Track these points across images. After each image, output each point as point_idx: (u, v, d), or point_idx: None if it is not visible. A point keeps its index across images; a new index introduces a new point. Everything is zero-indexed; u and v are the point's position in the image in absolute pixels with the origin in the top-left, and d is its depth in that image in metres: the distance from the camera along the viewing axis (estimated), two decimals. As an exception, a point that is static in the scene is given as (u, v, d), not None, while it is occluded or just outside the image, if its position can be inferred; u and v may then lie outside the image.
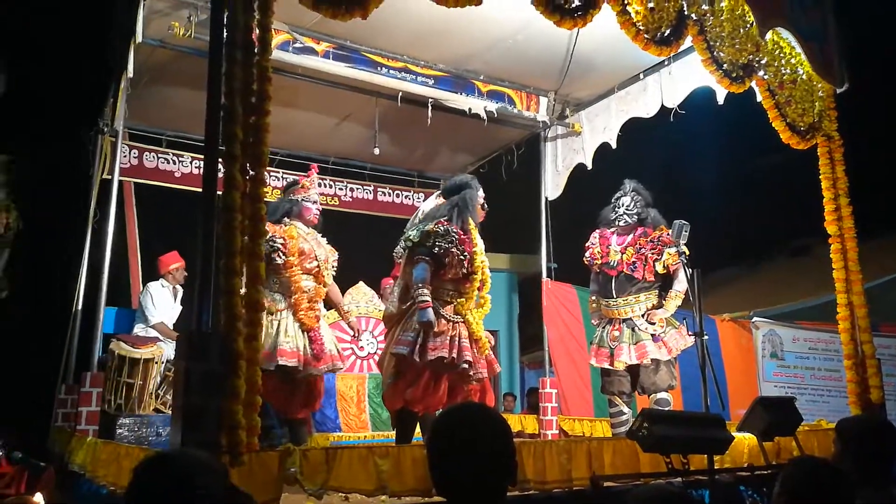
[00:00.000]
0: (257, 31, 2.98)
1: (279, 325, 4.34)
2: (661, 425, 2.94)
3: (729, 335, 7.34)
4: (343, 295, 6.51)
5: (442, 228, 4.13)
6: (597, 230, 5.18)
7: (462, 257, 4.13)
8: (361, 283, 6.89)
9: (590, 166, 6.58)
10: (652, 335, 4.68)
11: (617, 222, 4.98)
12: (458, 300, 4.24)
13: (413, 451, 2.86)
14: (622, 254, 4.84)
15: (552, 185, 6.86)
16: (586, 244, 5.17)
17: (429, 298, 4.01)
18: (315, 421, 5.67)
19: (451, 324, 4.11)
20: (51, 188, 7.43)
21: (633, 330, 4.75)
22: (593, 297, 5.14)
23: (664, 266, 4.72)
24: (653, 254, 4.74)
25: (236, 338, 2.51)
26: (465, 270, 4.18)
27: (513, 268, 9.30)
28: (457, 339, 4.07)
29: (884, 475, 2.24)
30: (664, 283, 4.82)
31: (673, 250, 4.67)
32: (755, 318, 7.36)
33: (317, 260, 4.62)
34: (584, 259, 5.15)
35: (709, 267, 5.08)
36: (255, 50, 2.96)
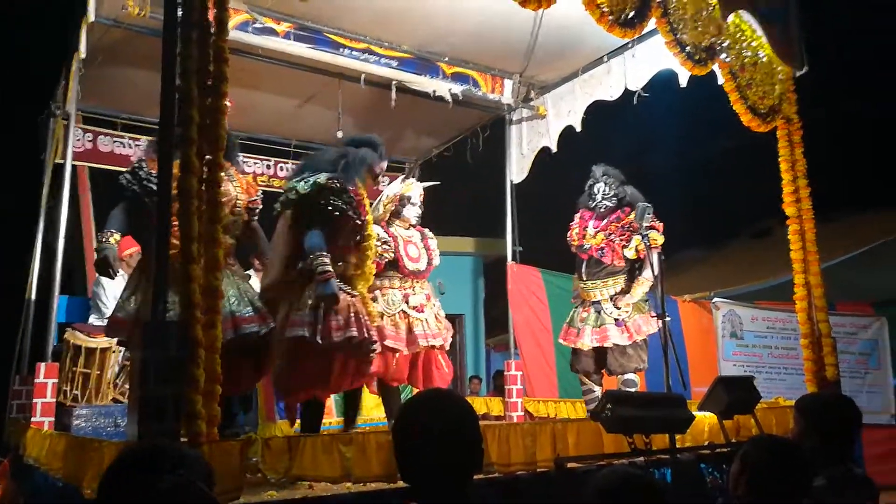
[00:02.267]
0: (214, 10, 2.89)
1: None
2: (625, 406, 2.97)
3: (690, 315, 7.46)
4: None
5: (337, 185, 3.65)
6: (579, 210, 5.19)
7: (358, 222, 3.77)
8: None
9: (555, 149, 6.59)
10: (616, 319, 4.74)
11: (598, 209, 4.99)
12: (352, 272, 3.86)
13: (377, 437, 2.84)
14: (594, 238, 4.91)
15: (517, 168, 6.86)
16: (570, 224, 5.18)
17: (331, 268, 3.52)
18: (278, 407, 5.62)
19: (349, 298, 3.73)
20: (1, 173, 7.18)
21: (598, 313, 4.82)
22: (575, 277, 5.19)
23: (634, 251, 4.74)
24: (621, 240, 4.78)
25: (194, 325, 2.45)
26: (358, 237, 3.84)
27: (478, 251, 9.31)
28: (360, 315, 3.69)
29: (846, 451, 2.28)
30: (636, 267, 4.85)
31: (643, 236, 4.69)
32: (715, 299, 7.50)
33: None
34: (567, 239, 5.17)
35: (671, 249, 5.13)
36: (212, 30, 2.87)
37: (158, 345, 2.34)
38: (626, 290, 4.81)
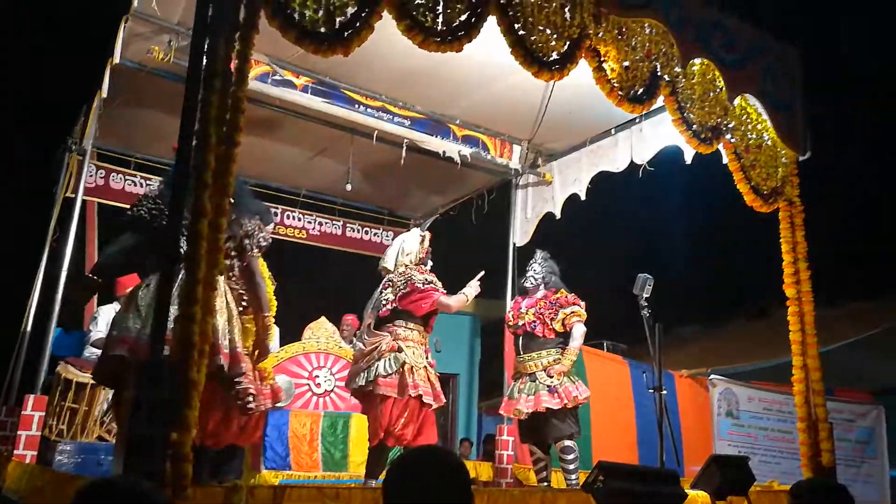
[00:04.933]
0: (235, 60, 2.99)
1: None
2: (617, 479, 2.92)
3: (686, 391, 7.39)
4: (304, 329, 6.42)
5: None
6: (515, 297, 5.58)
7: None
8: (323, 319, 6.81)
9: (558, 216, 6.67)
10: (548, 387, 5.01)
11: (524, 284, 5.45)
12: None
13: (364, 493, 2.79)
14: (526, 315, 5.25)
15: (521, 231, 6.92)
16: (508, 309, 5.57)
17: None
18: (265, 458, 5.52)
19: None
20: (11, 202, 7.26)
21: (533, 381, 5.10)
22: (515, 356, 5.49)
23: (561, 324, 5.12)
24: (550, 313, 5.15)
25: (192, 367, 2.44)
26: None
27: (477, 312, 9.28)
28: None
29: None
30: (566, 339, 5.17)
31: (569, 310, 5.12)
32: (712, 376, 7.44)
33: None
34: (505, 322, 5.60)
35: (670, 322, 5.15)
36: (232, 79, 2.95)
37: (154, 384, 2.32)
38: (557, 361, 5.09)
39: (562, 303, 5.16)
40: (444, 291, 4.45)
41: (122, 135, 6.34)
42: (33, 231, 5.64)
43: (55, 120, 6.15)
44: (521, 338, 5.28)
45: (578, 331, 5.08)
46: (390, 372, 4.15)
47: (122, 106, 5.68)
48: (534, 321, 5.19)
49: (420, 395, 4.16)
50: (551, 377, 5.01)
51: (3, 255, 7.26)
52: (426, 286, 4.36)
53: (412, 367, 4.20)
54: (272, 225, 4.36)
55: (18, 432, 4.34)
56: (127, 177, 6.82)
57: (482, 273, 4.60)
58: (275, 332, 4.76)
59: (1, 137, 7.92)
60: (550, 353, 5.12)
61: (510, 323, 5.42)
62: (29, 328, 5.18)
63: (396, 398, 4.14)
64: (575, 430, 4.98)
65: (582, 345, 5.22)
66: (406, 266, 4.51)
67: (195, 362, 2.46)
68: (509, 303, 6.72)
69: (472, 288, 4.52)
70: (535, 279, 5.37)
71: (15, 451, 4.29)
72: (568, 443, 4.92)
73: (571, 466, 4.84)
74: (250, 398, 3.56)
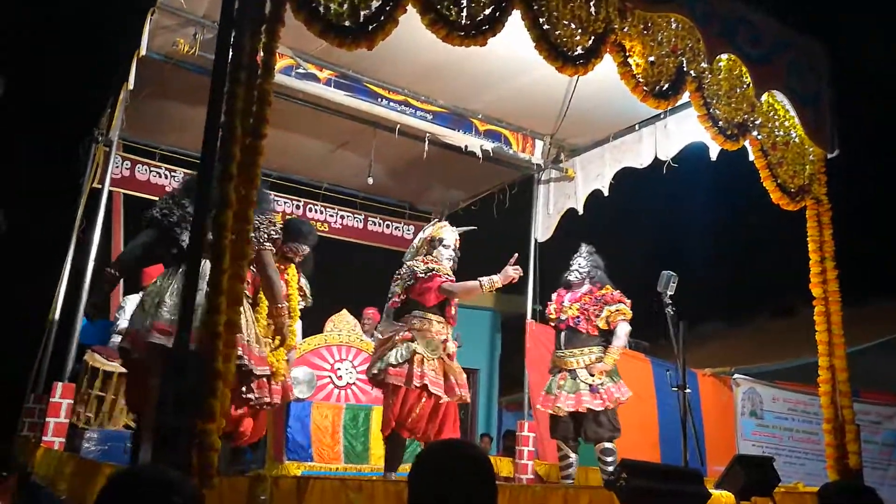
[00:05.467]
0: (262, 53, 3.00)
1: None
2: (640, 477, 2.90)
3: (709, 390, 7.32)
4: (326, 322, 6.46)
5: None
6: (558, 289, 5.48)
7: None
8: (345, 311, 6.84)
9: (581, 212, 6.63)
10: (590, 385, 4.95)
11: (568, 278, 5.38)
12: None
13: (387, 486, 2.80)
14: (570, 309, 5.20)
15: (542, 227, 6.89)
16: (548, 302, 5.49)
17: None
18: (287, 449, 5.57)
19: None
20: (40, 192, 7.37)
21: (574, 379, 5.03)
22: (553, 349, 5.43)
23: (606, 322, 5.06)
24: (595, 310, 5.10)
25: (217, 357, 2.46)
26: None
27: (497, 307, 9.28)
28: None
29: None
30: (609, 337, 5.11)
31: (614, 307, 5.05)
32: (736, 375, 7.36)
33: None
34: (546, 314, 5.51)
35: (694, 320, 5.11)
36: (258, 72, 2.97)
37: (180, 374, 2.35)
38: (600, 360, 5.03)
39: (607, 299, 5.09)
40: (450, 278, 4.39)
41: (148, 126, 6.41)
42: (61, 222, 5.72)
43: (82, 111, 6.21)
44: (562, 332, 5.21)
45: (623, 329, 5.02)
46: (400, 361, 4.16)
47: (147, 98, 5.74)
48: (577, 316, 5.12)
49: (426, 385, 4.11)
50: (593, 376, 4.95)
51: (32, 245, 7.38)
52: (428, 274, 4.33)
53: (423, 357, 4.17)
54: (273, 214, 4.39)
55: (47, 419, 4.42)
56: (152, 168, 6.90)
57: (516, 256, 4.42)
58: (297, 325, 4.80)
59: (29, 129, 8.04)
60: (593, 351, 5.07)
61: (552, 316, 5.34)
62: (57, 317, 5.26)
63: (407, 388, 4.13)
64: (615, 432, 4.92)
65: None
66: (415, 256, 4.52)
67: (220, 353, 2.48)
68: (530, 298, 6.72)
69: (502, 275, 4.32)
70: (581, 273, 5.29)
71: (43, 438, 4.36)
72: (608, 445, 4.88)
73: (611, 469, 4.80)
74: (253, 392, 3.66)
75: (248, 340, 3.58)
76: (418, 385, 4.12)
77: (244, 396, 3.64)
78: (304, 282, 4.52)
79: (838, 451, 4.61)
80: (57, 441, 4.37)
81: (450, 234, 4.63)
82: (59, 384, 4.53)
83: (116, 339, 5.66)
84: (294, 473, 5.04)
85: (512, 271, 4.33)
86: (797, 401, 7.22)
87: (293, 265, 4.50)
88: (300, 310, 4.55)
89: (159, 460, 2.26)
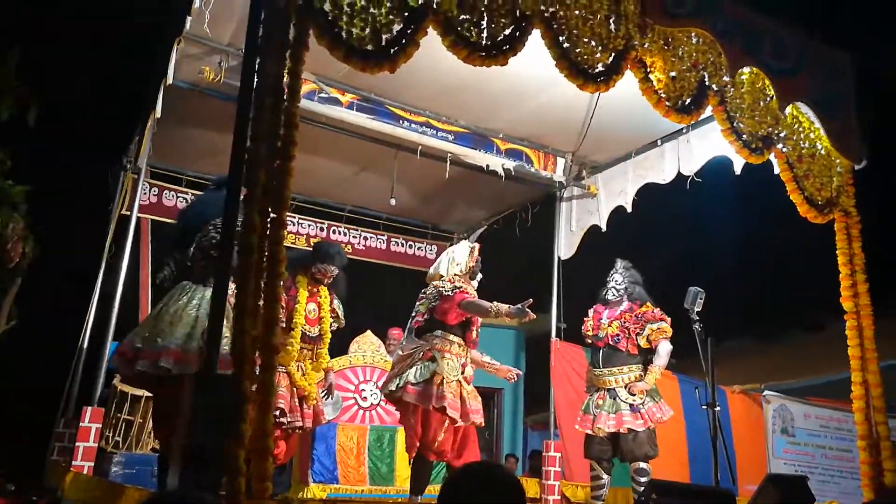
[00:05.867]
0: (287, 78, 3.05)
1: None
2: (671, 497, 2.86)
3: (739, 408, 7.19)
4: (350, 343, 6.48)
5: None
6: (595, 306, 5.39)
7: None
8: (369, 332, 6.86)
9: (604, 228, 6.60)
10: (630, 405, 4.87)
11: (605, 296, 5.28)
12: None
13: (414, 508, 2.78)
14: (609, 327, 5.10)
15: (566, 244, 6.87)
16: (584, 318, 5.39)
17: None
18: (312, 471, 5.57)
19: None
20: (71, 220, 7.51)
21: (614, 399, 4.95)
22: (589, 367, 5.35)
23: (647, 340, 4.97)
24: (635, 328, 5.01)
25: (245, 381, 2.48)
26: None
27: (521, 326, 9.24)
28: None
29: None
30: (649, 356, 5.03)
31: (655, 326, 4.96)
32: (766, 392, 7.23)
33: None
34: (582, 331, 5.39)
35: (721, 336, 5.03)
36: (284, 97, 3.02)
37: (210, 397, 2.36)
38: (639, 378, 4.95)
39: (648, 317, 5.00)
40: (473, 295, 4.37)
41: (175, 153, 6.53)
42: (91, 248, 5.82)
43: (111, 140, 6.35)
44: (600, 350, 5.12)
45: (665, 348, 4.93)
46: (420, 380, 4.11)
47: (174, 125, 5.84)
48: (617, 334, 5.03)
49: (444, 408, 4.06)
50: (633, 395, 4.88)
51: (63, 271, 7.51)
52: (453, 292, 4.32)
53: (444, 378, 4.14)
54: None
55: (76, 444, 4.46)
56: (179, 194, 7.01)
57: (530, 301, 4.25)
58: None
59: (60, 157, 8.23)
60: (632, 370, 4.98)
61: (589, 333, 5.26)
62: (86, 342, 5.33)
63: (426, 409, 4.09)
64: (653, 452, 4.84)
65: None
66: (443, 278, 4.49)
67: (249, 375, 2.50)
68: (554, 316, 6.68)
69: (510, 307, 4.17)
70: (618, 290, 5.20)
71: (73, 462, 4.40)
72: (643, 465, 4.81)
73: (643, 489, 4.73)
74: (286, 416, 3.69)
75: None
76: (436, 406, 4.07)
77: (277, 420, 3.67)
78: (336, 304, 4.54)
79: (874, 468, 4.50)
80: (86, 465, 4.41)
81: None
82: (89, 409, 4.58)
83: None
84: (320, 496, 5.03)
85: (519, 314, 4.15)
86: (830, 417, 7.07)
87: (324, 287, 4.52)
88: (332, 331, 4.57)
89: (187, 485, 2.27)
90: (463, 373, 4.29)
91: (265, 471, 2.42)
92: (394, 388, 4.19)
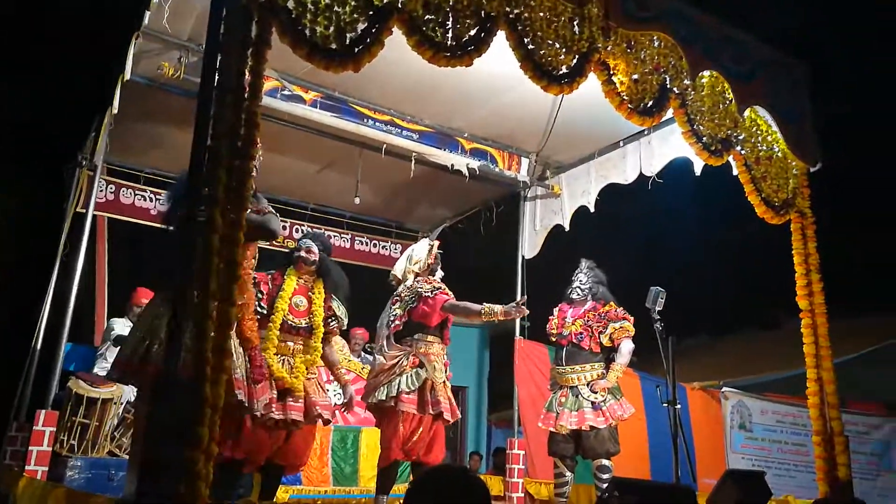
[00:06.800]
0: (248, 76, 2.99)
1: None
2: (632, 494, 2.89)
3: (698, 404, 7.33)
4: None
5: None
6: (560, 304, 5.45)
7: (257, 297, 3.99)
8: (333, 332, 6.78)
9: (567, 228, 6.66)
10: (592, 403, 4.94)
11: (570, 295, 5.35)
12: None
13: (378, 510, 2.76)
14: (573, 325, 5.17)
15: (529, 244, 6.91)
16: (549, 317, 5.44)
17: None
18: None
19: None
20: (23, 217, 7.29)
21: (576, 397, 5.01)
22: (552, 366, 5.39)
23: (609, 339, 5.05)
24: (598, 326, 5.08)
25: (205, 384, 2.43)
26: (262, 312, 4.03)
27: (485, 324, 9.26)
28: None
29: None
30: (612, 354, 5.10)
31: (618, 325, 5.03)
32: (724, 389, 7.38)
33: None
34: (546, 330, 5.43)
35: (681, 334, 5.12)
36: (245, 95, 2.96)
37: (168, 402, 2.31)
38: (602, 376, 5.02)
39: (611, 316, 5.08)
40: (453, 297, 4.39)
41: (132, 150, 6.38)
42: (44, 247, 5.66)
43: (66, 136, 6.17)
44: (563, 349, 5.19)
45: (626, 347, 5.01)
46: (413, 388, 4.10)
47: (132, 121, 5.72)
48: (580, 333, 5.10)
49: (441, 413, 4.11)
50: (595, 392, 4.94)
51: (14, 270, 7.29)
52: (434, 293, 4.32)
53: (433, 383, 4.16)
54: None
55: (30, 448, 4.34)
56: (137, 192, 6.87)
57: (524, 298, 4.36)
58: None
59: (12, 154, 7.98)
60: (595, 368, 5.05)
61: (553, 332, 5.31)
62: (40, 343, 5.19)
63: (415, 414, 4.10)
64: (614, 449, 4.91)
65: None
66: (415, 277, 4.48)
67: (208, 379, 2.45)
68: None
69: (503, 307, 4.23)
70: (582, 290, 5.28)
71: (26, 467, 4.28)
72: (605, 462, 4.87)
73: (606, 486, 4.78)
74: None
75: (239, 375, 3.53)
76: (433, 412, 4.10)
77: (237, 410, 3.55)
78: (336, 303, 4.30)
79: (828, 462, 4.62)
80: (40, 470, 4.29)
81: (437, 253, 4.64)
82: (43, 412, 4.46)
83: (105, 365, 5.59)
84: (282, 499, 4.98)
85: (515, 311, 4.24)
86: (786, 412, 7.26)
87: (320, 283, 4.30)
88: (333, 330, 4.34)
89: (147, 488, 2.22)
90: (445, 372, 4.32)
91: (208, 475, 2.37)
92: (384, 398, 4.12)
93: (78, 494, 3.14)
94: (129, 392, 5.14)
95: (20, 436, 4.75)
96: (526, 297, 4.36)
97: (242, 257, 2.82)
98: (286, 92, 5.35)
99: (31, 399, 4.94)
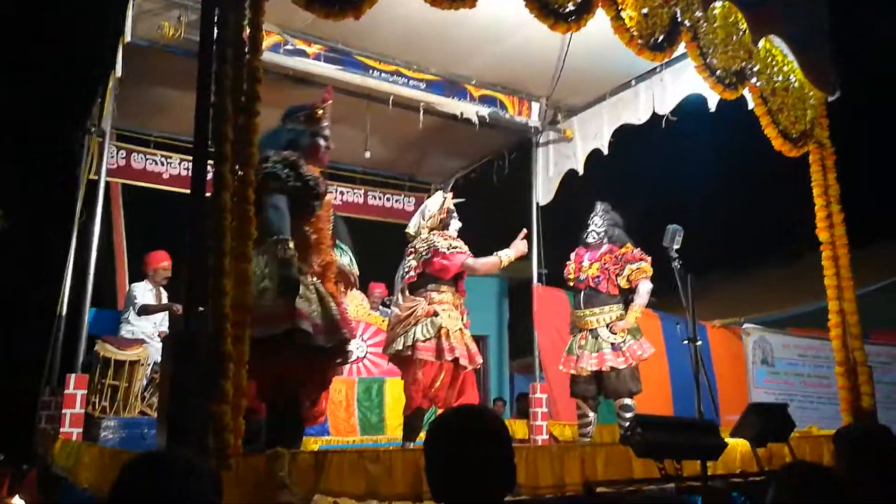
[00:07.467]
0: (248, 30, 2.95)
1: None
2: (655, 431, 2.92)
3: (719, 342, 7.34)
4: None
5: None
6: (576, 249, 5.46)
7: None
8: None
9: (581, 172, 6.57)
10: (612, 344, 4.98)
11: (586, 239, 5.35)
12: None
13: (404, 455, 2.82)
14: (590, 269, 5.18)
15: (543, 190, 6.85)
16: (566, 262, 5.46)
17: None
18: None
19: None
20: (38, 188, 7.35)
21: (596, 339, 5.06)
22: (572, 310, 5.42)
23: (627, 280, 5.06)
24: (616, 269, 5.09)
25: (225, 339, 2.46)
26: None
27: (503, 273, 9.25)
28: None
29: (889, 482, 2.20)
30: (630, 296, 5.11)
31: (635, 266, 5.04)
32: (746, 325, 7.37)
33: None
34: (564, 275, 5.47)
35: (700, 271, 5.08)
36: (246, 49, 2.92)
37: (188, 358, 2.35)
38: (620, 318, 5.05)
39: (628, 258, 5.08)
40: (471, 254, 4.44)
41: (140, 114, 6.35)
42: (61, 214, 5.70)
43: (74, 103, 6.15)
44: (581, 292, 5.21)
45: (645, 287, 5.02)
46: (428, 336, 4.17)
47: (136, 85, 5.66)
48: (597, 276, 5.11)
49: (457, 359, 4.18)
50: (614, 334, 4.98)
51: (34, 240, 7.38)
52: (451, 251, 4.35)
53: (448, 330, 4.21)
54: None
55: (63, 411, 4.46)
56: (148, 156, 6.87)
57: (524, 231, 4.55)
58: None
59: (23, 122, 7.99)
60: (613, 310, 5.08)
61: (570, 276, 5.34)
62: (64, 310, 5.28)
63: (433, 362, 4.17)
64: (636, 389, 4.96)
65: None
66: (430, 231, 4.49)
67: (228, 333, 2.48)
68: (535, 262, 6.70)
69: (514, 249, 4.47)
70: (598, 233, 5.28)
71: (61, 429, 4.41)
72: (627, 401, 4.93)
73: (628, 424, 4.84)
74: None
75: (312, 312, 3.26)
76: (450, 359, 4.17)
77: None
78: (343, 260, 4.07)
79: (851, 393, 4.63)
80: (75, 431, 4.42)
81: (453, 204, 4.65)
82: (72, 376, 4.57)
83: (130, 328, 5.69)
84: (311, 448, 5.09)
85: (522, 245, 4.44)
86: (808, 346, 7.24)
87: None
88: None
89: (176, 443, 2.27)
90: (462, 320, 4.38)
91: (240, 428, 2.42)
92: (401, 348, 4.20)
93: (111, 451, 3.23)
94: (156, 353, 5.25)
95: (53, 400, 4.87)
96: (525, 230, 4.56)
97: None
98: (289, 46, 5.27)
99: (60, 364, 5.05)
